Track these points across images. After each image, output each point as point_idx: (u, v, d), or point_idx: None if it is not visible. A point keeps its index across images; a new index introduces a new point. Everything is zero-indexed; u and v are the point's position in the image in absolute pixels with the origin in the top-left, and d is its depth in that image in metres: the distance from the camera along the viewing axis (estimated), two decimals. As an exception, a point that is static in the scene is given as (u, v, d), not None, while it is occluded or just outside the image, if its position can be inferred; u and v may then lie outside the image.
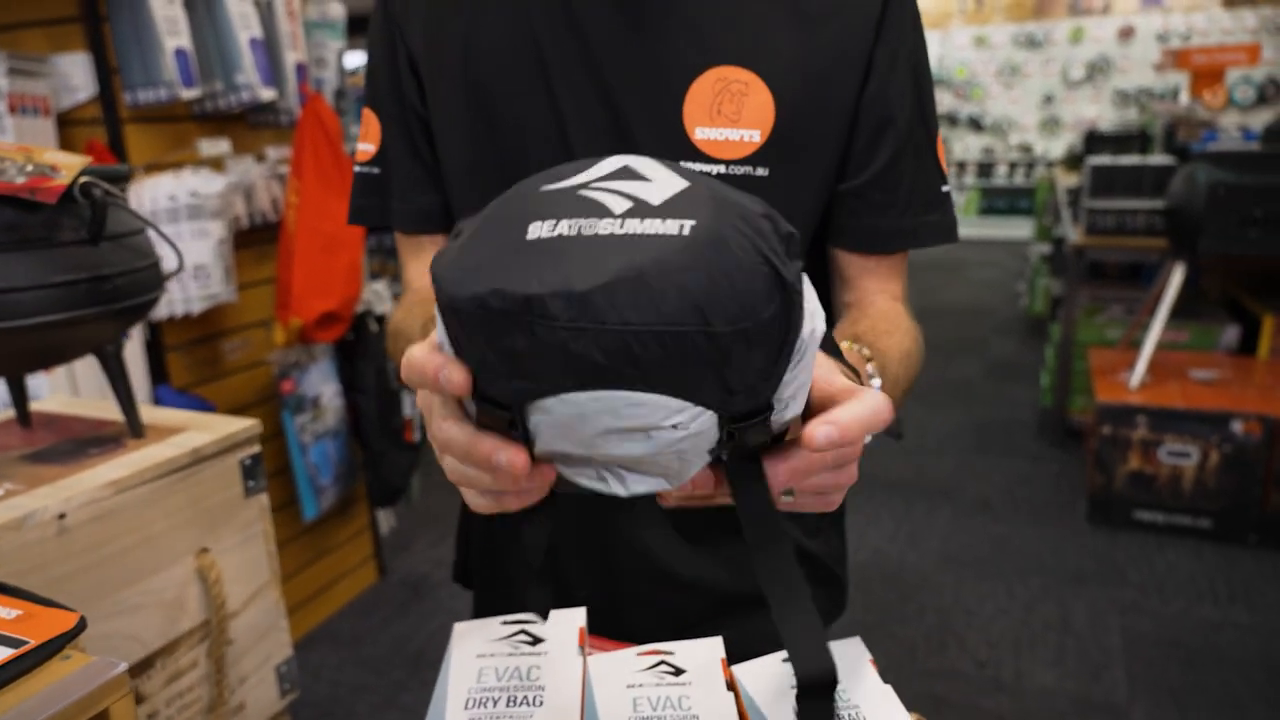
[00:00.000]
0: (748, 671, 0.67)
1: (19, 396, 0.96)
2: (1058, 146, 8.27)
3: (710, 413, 0.37)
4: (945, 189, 0.76)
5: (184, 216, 1.79)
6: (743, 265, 0.35)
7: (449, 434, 0.40)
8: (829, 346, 0.46)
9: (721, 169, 0.68)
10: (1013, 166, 8.71)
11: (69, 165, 0.76)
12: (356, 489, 2.52)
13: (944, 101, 8.81)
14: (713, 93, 0.67)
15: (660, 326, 0.34)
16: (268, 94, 1.93)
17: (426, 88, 0.73)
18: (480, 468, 0.40)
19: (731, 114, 0.67)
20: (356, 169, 0.79)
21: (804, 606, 0.43)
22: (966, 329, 5.26)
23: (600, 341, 0.34)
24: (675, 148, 0.67)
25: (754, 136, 0.67)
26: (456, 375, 0.37)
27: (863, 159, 0.71)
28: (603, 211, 0.37)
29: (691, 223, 0.36)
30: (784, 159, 0.68)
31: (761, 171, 0.68)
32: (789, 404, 0.40)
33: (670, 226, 0.36)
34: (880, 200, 0.73)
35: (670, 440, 0.38)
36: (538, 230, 0.36)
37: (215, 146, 1.94)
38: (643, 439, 0.38)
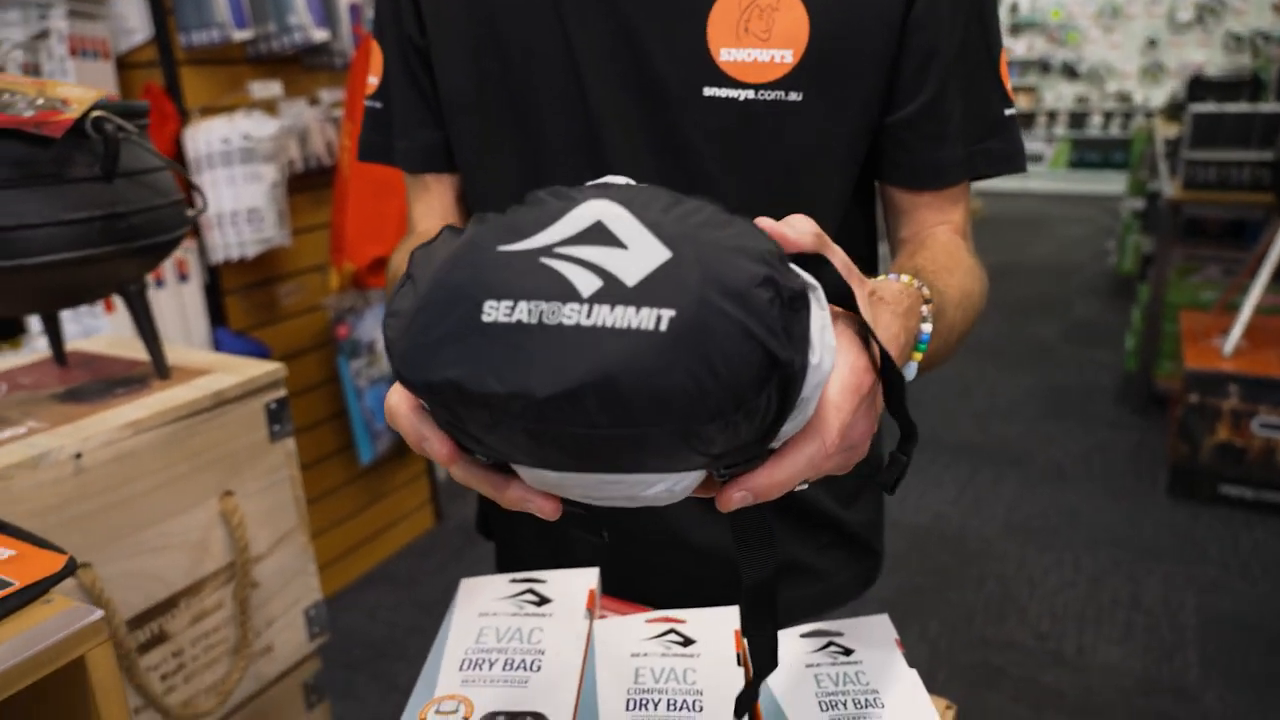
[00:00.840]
0: (762, 646, 0.62)
1: (54, 335, 0.96)
2: (1159, 95, 7.77)
3: (696, 471, 0.37)
4: (1009, 112, 0.68)
5: (237, 160, 1.79)
6: (729, 357, 0.30)
7: (448, 466, 0.38)
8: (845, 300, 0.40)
9: (750, 94, 0.61)
10: (1108, 117, 8.23)
11: (81, 99, 0.74)
12: (413, 435, 2.55)
13: (1036, 46, 8.35)
14: (739, 9, 0.60)
15: (631, 430, 0.30)
16: (320, 35, 1.90)
17: (426, 14, 0.68)
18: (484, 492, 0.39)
19: (760, 32, 0.60)
20: (365, 103, 0.75)
21: (770, 616, 0.44)
22: (1048, 288, 5.02)
23: (564, 441, 0.31)
24: (698, 72, 0.61)
25: (786, 57, 0.61)
26: (440, 449, 0.36)
27: (911, 86, 0.64)
28: (568, 292, 0.31)
29: (670, 313, 0.30)
30: (820, 83, 0.62)
31: (795, 97, 0.62)
32: (786, 434, 0.37)
33: (645, 319, 0.30)
34: (933, 131, 0.66)
35: (654, 495, 0.37)
36: (494, 311, 0.31)
37: (267, 89, 1.93)
38: (626, 500, 0.37)
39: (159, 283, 1.86)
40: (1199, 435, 2.65)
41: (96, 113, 0.75)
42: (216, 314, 1.99)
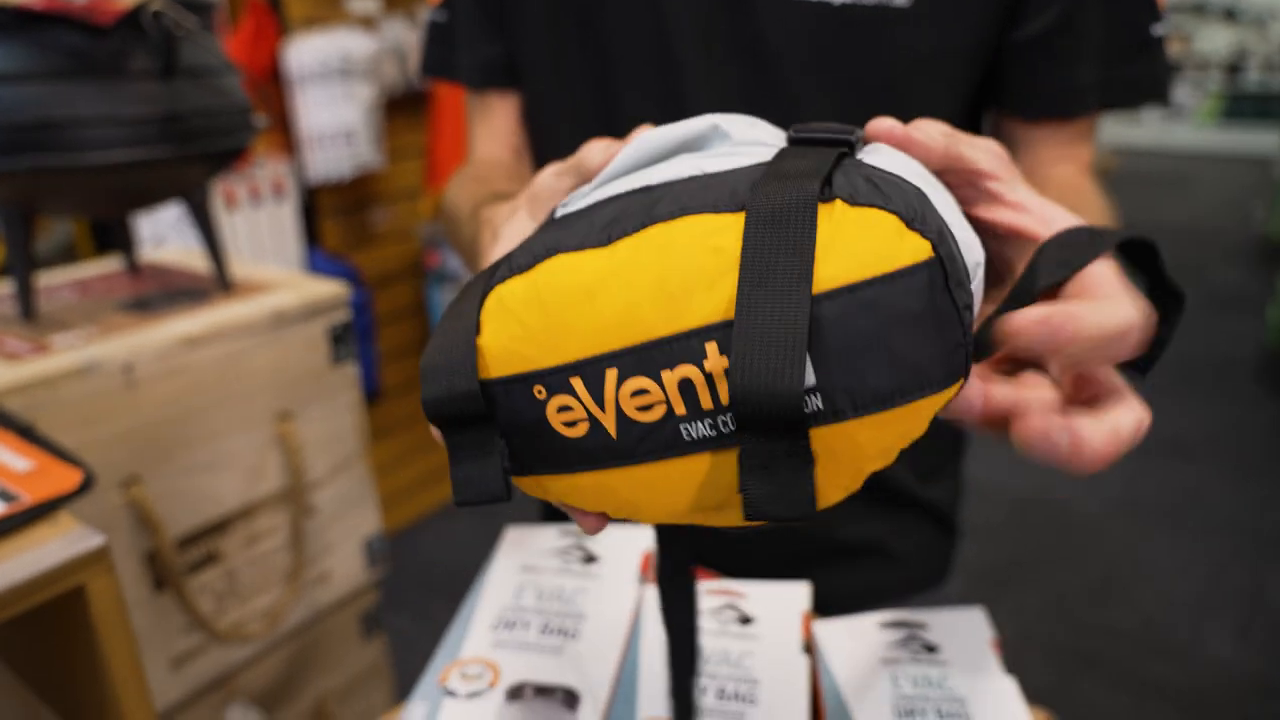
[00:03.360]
0: (833, 633, 0.55)
1: (125, 242, 0.94)
2: (1331, 43, 6.99)
3: None
4: (1158, 31, 0.56)
5: (335, 78, 1.76)
6: None
7: None
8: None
9: None
10: (1269, 67, 7.47)
11: (137, -12, 0.70)
12: (500, 367, 2.53)
13: (1193, -14, 7.62)
14: None
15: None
16: (421, -51, 1.84)
17: None
18: None
19: None
20: (429, 17, 0.68)
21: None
22: (1184, 251, 4.63)
23: None
24: None
25: None
26: None
27: None
28: None
29: None
30: None
31: (902, 2, 0.51)
32: None
33: None
34: (1066, 50, 0.54)
35: None
36: None
37: (364, 5, 1.88)
38: None
39: (256, 201, 1.86)
40: (1349, 421, 2.39)
41: (155, 5, 0.70)
42: (311, 235, 2.00)
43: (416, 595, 2.11)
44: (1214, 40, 7.68)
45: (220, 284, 0.87)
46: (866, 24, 0.53)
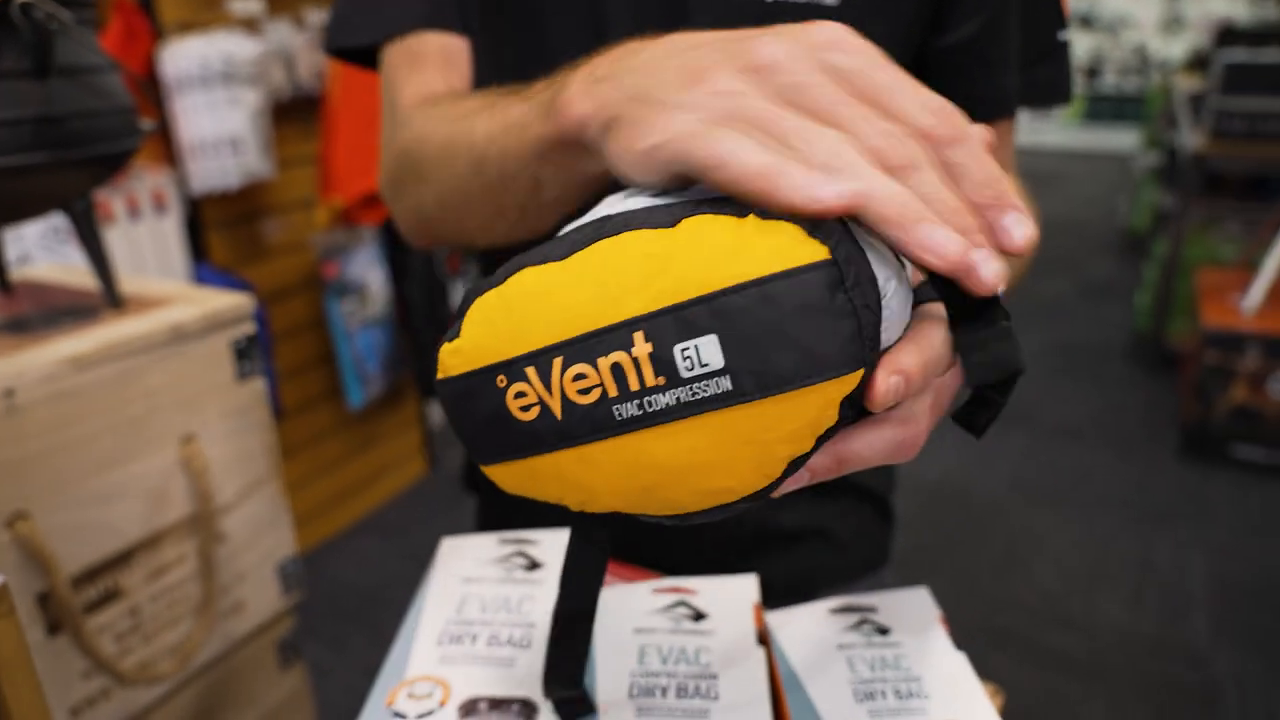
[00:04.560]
0: (785, 622, 0.54)
1: (-4, 259, 0.87)
2: (1177, 48, 7.55)
3: None
4: (1063, 36, 0.60)
5: (217, 83, 1.67)
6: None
7: None
8: None
9: None
10: (1123, 71, 8.00)
11: (4, -22, 0.64)
12: (406, 380, 2.47)
13: (1053, -5, 8.08)
14: None
15: None
16: (306, -50, 1.77)
17: None
18: None
19: None
20: None
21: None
22: (1058, 246, 4.90)
23: None
24: None
25: None
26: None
27: (970, 3, 0.54)
28: None
29: None
30: None
31: (831, 0, 0.52)
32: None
33: None
34: (993, 55, 0.57)
35: None
36: None
37: (247, 6, 1.80)
38: None
39: (135, 215, 1.75)
40: (1213, 395, 2.57)
41: (24, -3, 0.65)
42: (198, 250, 1.89)
43: (329, 620, 2.02)
44: (1073, 46, 8.18)
45: (109, 300, 0.81)
46: (795, 21, 0.53)
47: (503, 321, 0.31)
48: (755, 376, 0.28)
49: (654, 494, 0.31)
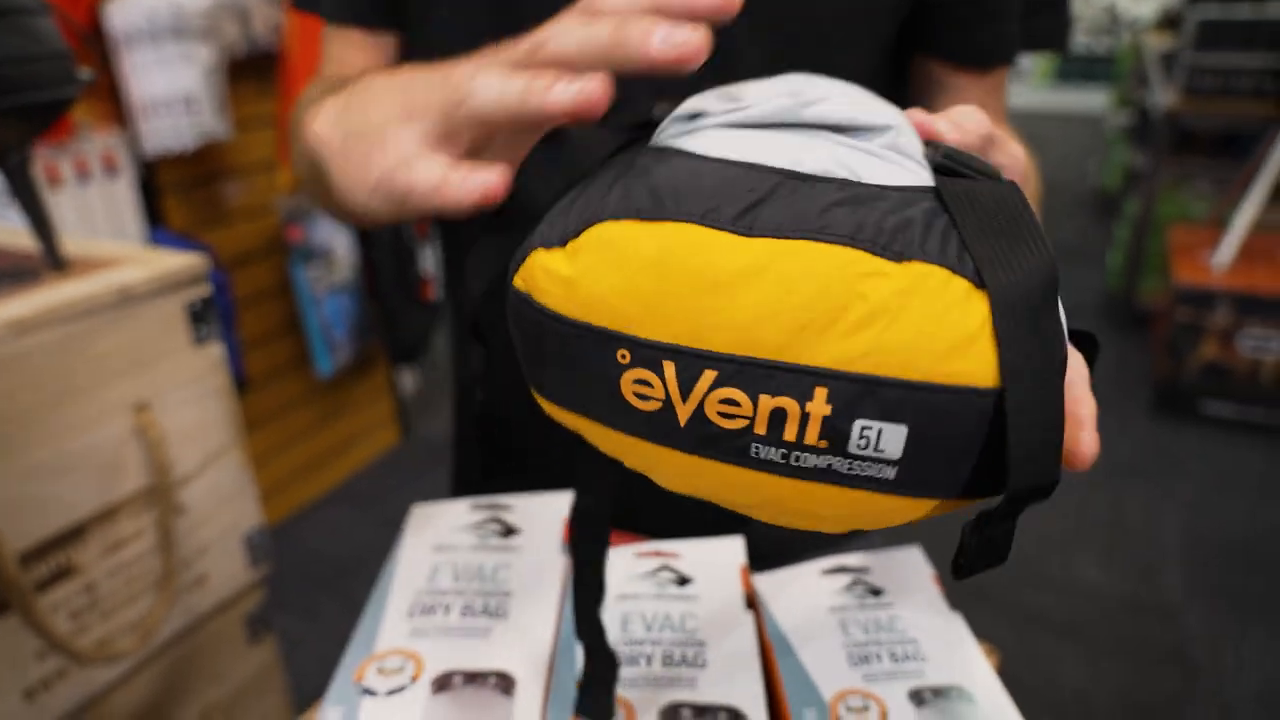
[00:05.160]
0: (774, 585, 0.52)
1: (-71, 219, 0.81)
2: (1146, 7, 7.54)
3: None
4: None
5: (166, 37, 1.60)
6: None
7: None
8: None
9: None
10: (1094, 32, 7.99)
11: (-83, -96, 0.58)
12: (375, 347, 2.41)
13: (1024, -46, 8.03)
14: None
15: None
16: (259, -103, 1.69)
17: None
18: None
19: None
20: None
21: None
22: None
23: None
24: None
25: None
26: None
27: None
28: None
29: None
30: None
31: None
32: None
33: None
34: (995, 7, 0.56)
35: None
36: None
37: (200, -44, 1.72)
38: None
39: (84, 178, 1.68)
40: (1184, 352, 2.59)
41: (-60, -74, 0.59)
42: (154, 214, 1.82)
43: (301, 592, 1.99)
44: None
45: (52, 261, 0.76)
46: None
47: (650, 284, 0.25)
48: (923, 482, 0.25)
49: (740, 506, 0.28)
